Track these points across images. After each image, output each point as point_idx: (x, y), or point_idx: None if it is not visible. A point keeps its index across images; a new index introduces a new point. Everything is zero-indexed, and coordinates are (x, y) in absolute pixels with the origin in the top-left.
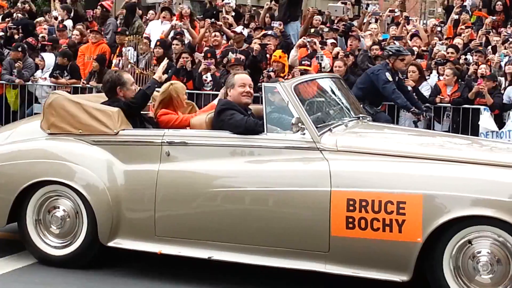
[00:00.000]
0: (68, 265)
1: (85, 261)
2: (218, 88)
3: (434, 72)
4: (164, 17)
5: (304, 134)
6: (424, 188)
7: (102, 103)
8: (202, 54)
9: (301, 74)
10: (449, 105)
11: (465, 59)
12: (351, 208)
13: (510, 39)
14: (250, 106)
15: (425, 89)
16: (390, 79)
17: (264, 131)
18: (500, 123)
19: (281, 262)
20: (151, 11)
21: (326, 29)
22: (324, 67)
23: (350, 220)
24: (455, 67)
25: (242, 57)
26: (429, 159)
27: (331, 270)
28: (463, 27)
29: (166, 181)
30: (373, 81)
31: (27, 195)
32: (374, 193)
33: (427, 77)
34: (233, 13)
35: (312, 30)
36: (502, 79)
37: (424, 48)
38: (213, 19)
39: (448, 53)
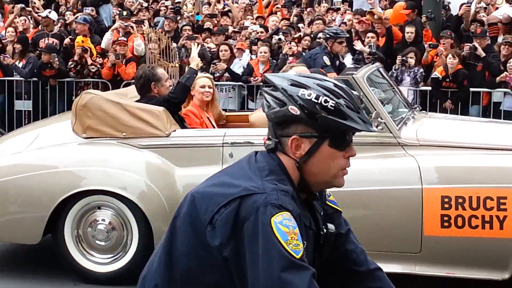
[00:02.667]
0: (117, 282)
1: (136, 276)
2: (31, 75)
3: (247, 51)
4: None
5: (382, 129)
6: None
7: (137, 101)
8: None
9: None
10: (262, 83)
11: (279, 39)
12: (446, 206)
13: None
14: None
15: (237, 67)
16: (328, 63)
17: None
18: None
19: None
20: None
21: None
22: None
23: (446, 218)
24: (265, 44)
25: (56, 41)
26: None
27: (422, 271)
28: (279, 6)
29: None
30: (311, 66)
31: (64, 208)
32: (471, 189)
33: (239, 57)
34: None
35: (125, 12)
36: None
37: (235, 29)
38: (22, 4)
39: (258, 32)
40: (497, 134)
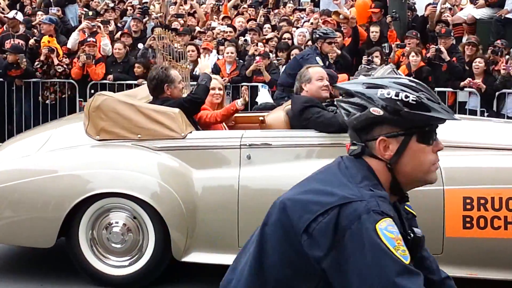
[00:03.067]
0: (134, 285)
1: (152, 279)
2: None
3: (214, 51)
4: None
5: None
6: None
7: (151, 103)
8: None
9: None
10: (229, 84)
11: (245, 40)
12: (468, 206)
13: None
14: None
15: None
16: (321, 63)
17: None
18: None
19: None
20: None
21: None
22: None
23: (468, 219)
24: (232, 45)
25: (21, 42)
26: None
27: None
28: (245, 6)
29: (250, 187)
30: (303, 67)
31: (78, 211)
32: (493, 190)
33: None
34: None
35: (91, 13)
36: None
37: (201, 29)
38: None
39: (226, 32)
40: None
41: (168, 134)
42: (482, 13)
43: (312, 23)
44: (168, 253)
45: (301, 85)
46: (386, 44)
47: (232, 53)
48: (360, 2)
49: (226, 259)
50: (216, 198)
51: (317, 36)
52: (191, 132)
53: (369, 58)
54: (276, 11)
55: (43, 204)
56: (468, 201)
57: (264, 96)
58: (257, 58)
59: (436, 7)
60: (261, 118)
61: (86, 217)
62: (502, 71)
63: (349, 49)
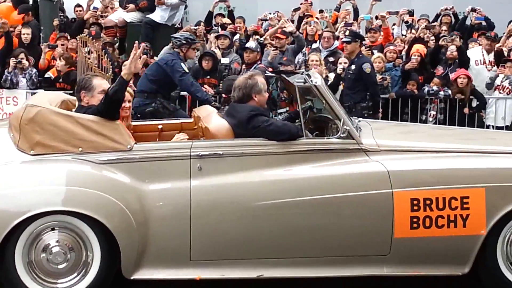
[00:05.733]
0: None
1: None
2: None
3: None
4: None
5: (346, 136)
6: (484, 181)
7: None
8: None
9: None
10: None
11: None
12: (415, 208)
13: None
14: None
15: None
16: (187, 70)
17: (303, 136)
18: None
19: (337, 271)
20: None
21: None
22: None
23: (415, 220)
24: None
25: None
26: (478, 153)
27: (390, 272)
28: None
29: (202, 198)
30: (166, 73)
31: (13, 234)
32: (438, 191)
33: None
34: None
35: None
36: None
37: None
38: None
39: None
40: (440, 138)
41: (112, 146)
42: (133, 16)
43: None
44: (115, 267)
45: (250, 94)
46: None
47: None
48: (3, 8)
49: (178, 273)
50: (167, 210)
51: (183, 42)
52: (136, 143)
53: (19, 60)
54: None
55: None
56: (415, 202)
57: None
58: None
59: (96, 10)
60: (159, 126)
61: (22, 240)
62: None
63: (1, 53)
